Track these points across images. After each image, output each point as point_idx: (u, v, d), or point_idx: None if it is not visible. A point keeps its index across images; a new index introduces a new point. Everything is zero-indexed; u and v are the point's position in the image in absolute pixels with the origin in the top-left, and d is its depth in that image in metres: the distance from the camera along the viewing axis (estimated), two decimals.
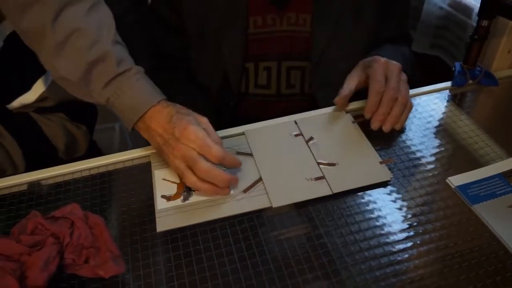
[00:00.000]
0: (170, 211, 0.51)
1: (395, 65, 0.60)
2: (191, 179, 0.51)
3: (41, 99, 0.67)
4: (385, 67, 0.60)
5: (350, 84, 0.62)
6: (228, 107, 0.76)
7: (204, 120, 0.55)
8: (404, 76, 0.61)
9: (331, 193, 0.52)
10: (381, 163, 0.56)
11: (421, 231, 0.48)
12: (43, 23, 0.49)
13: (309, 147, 0.59)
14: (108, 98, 0.53)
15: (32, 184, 0.56)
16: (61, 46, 0.51)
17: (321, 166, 0.56)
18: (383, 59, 0.61)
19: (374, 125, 0.59)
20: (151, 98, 0.54)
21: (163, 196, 0.52)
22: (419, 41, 1.10)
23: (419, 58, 1.05)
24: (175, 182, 0.54)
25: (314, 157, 0.57)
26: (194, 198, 0.52)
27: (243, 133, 0.62)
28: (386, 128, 0.59)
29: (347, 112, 0.64)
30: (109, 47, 0.52)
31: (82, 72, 0.52)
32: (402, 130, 0.62)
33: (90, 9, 0.52)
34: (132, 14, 0.83)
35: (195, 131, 0.51)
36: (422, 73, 0.80)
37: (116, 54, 0.53)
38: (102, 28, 0.53)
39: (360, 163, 0.56)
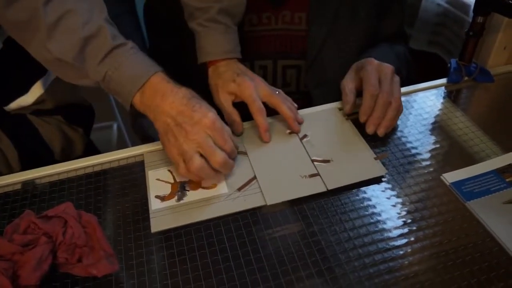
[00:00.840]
0: (164, 211, 0.50)
1: (388, 67, 0.60)
2: (196, 164, 0.50)
3: (39, 101, 0.67)
4: (378, 70, 0.60)
5: (350, 89, 0.62)
6: None
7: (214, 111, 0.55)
8: (396, 78, 0.61)
9: (326, 189, 0.52)
10: (375, 158, 0.56)
11: (415, 228, 0.48)
12: (35, 8, 0.48)
13: (303, 144, 0.59)
14: (105, 72, 0.51)
15: (27, 183, 0.56)
16: (53, 27, 0.49)
17: (315, 163, 0.55)
18: (376, 62, 0.61)
19: (370, 129, 0.59)
20: (150, 67, 0.53)
21: (157, 196, 0.52)
22: (417, 38, 1.09)
23: (417, 55, 1.05)
24: (169, 182, 0.54)
25: (308, 154, 0.57)
26: (188, 198, 0.52)
27: None
28: (381, 132, 0.59)
29: (340, 109, 0.64)
30: (102, 22, 0.51)
31: (76, 50, 0.50)
32: (397, 127, 0.61)
33: None
34: (119, 6, 0.83)
35: (216, 120, 0.51)
36: (417, 72, 0.80)
37: (109, 29, 0.52)
38: (93, 10, 0.52)
39: (354, 159, 0.56)
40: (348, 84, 0.62)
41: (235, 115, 0.61)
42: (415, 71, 0.79)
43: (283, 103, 0.60)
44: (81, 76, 0.53)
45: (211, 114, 0.51)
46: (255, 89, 0.59)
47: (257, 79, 0.61)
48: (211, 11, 0.62)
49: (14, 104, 0.65)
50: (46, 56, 0.51)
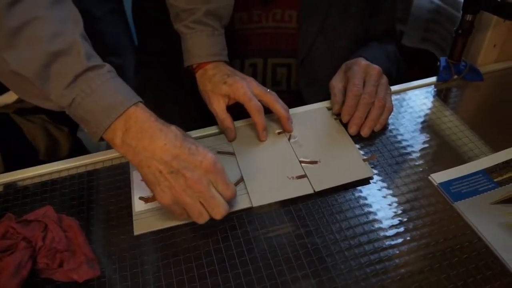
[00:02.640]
0: (148, 213, 0.50)
1: (374, 68, 0.60)
2: (207, 218, 0.46)
3: (21, 99, 0.65)
4: (364, 71, 0.60)
5: (338, 89, 0.61)
6: None
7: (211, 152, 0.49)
8: (384, 80, 0.60)
9: (312, 191, 0.51)
10: (364, 160, 0.55)
11: (402, 230, 0.47)
12: None
13: (291, 145, 0.58)
14: (73, 99, 0.44)
15: (8, 185, 0.55)
16: (15, 34, 0.41)
17: (303, 164, 0.55)
18: (364, 62, 0.61)
19: (352, 130, 0.59)
20: (129, 97, 0.45)
21: (141, 198, 0.51)
22: (410, 35, 1.09)
23: (411, 52, 1.05)
24: None
25: (296, 155, 0.56)
26: None
27: None
28: (365, 132, 0.59)
29: (329, 108, 0.64)
30: (76, 37, 0.44)
31: (39, 66, 0.42)
32: (387, 126, 0.61)
33: (54, 2, 0.44)
34: (105, 5, 0.82)
35: (217, 162, 0.45)
36: (411, 69, 0.79)
37: (84, 47, 0.44)
38: (67, 21, 0.44)
39: (342, 160, 0.55)
40: (337, 84, 0.62)
41: (228, 121, 0.58)
42: (407, 70, 0.79)
43: (277, 101, 0.58)
44: (39, 97, 0.45)
45: (210, 156, 0.45)
46: (248, 87, 0.57)
47: (248, 78, 0.59)
48: (197, 13, 0.60)
49: None
50: (1, 66, 0.43)
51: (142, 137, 0.44)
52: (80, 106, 0.44)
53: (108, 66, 0.46)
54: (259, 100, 0.58)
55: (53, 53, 0.42)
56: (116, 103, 0.44)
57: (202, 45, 0.61)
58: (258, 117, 0.57)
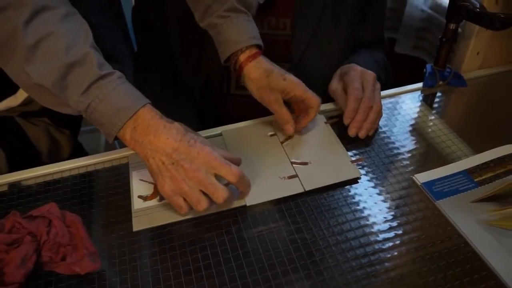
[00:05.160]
0: (146, 210, 0.52)
1: (370, 74, 0.64)
2: (204, 206, 0.49)
3: (26, 102, 0.68)
4: (361, 76, 0.64)
5: (340, 91, 0.65)
6: (211, 108, 0.78)
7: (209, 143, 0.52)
8: (378, 85, 0.64)
9: (303, 190, 0.54)
10: (352, 162, 0.58)
11: (387, 228, 0.50)
12: (15, 26, 0.45)
13: (283, 147, 0.61)
14: (88, 104, 0.48)
15: (13, 185, 0.57)
16: (33, 50, 0.46)
17: (294, 165, 0.58)
18: (359, 68, 0.64)
19: (352, 132, 0.62)
20: (138, 100, 0.50)
21: (139, 196, 0.54)
22: (402, 43, 1.12)
23: (403, 59, 1.08)
24: (152, 183, 0.55)
25: (288, 157, 0.59)
26: None
27: (220, 134, 0.64)
28: (362, 134, 0.62)
29: (320, 113, 0.67)
30: (88, 48, 0.48)
31: (58, 76, 0.47)
32: (376, 130, 0.64)
33: (65, 16, 0.49)
34: (103, 13, 0.84)
35: (213, 151, 0.49)
36: (402, 75, 0.83)
37: (96, 56, 0.49)
38: (79, 33, 0.49)
39: (331, 162, 0.58)
40: (338, 88, 0.66)
41: (288, 116, 0.60)
42: (397, 75, 0.82)
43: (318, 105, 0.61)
44: (59, 104, 0.50)
45: (207, 147, 0.49)
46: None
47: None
48: (229, 1, 0.59)
49: (2, 105, 0.66)
50: (25, 80, 0.48)
51: (148, 133, 0.49)
52: (95, 110, 0.48)
53: (118, 73, 0.50)
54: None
55: (68, 65, 0.47)
56: (126, 106, 0.49)
57: (242, 29, 0.59)
58: (315, 112, 0.60)
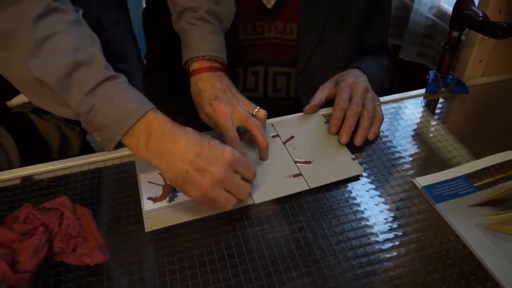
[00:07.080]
0: (156, 211, 0.53)
1: (360, 84, 0.65)
2: (234, 202, 0.50)
3: None
4: (351, 87, 0.65)
5: (321, 95, 0.67)
6: None
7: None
8: (370, 94, 0.65)
9: (308, 188, 0.56)
10: (353, 159, 0.60)
11: (387, 229, 0.51)
12: (26, 19, 0.44)
13: (286, 147, 0.62)
14: (92, 105, 0.47)
15: (26, 179, 0.59)
16: (40, 45, 0.45)
17: (298, 164, 0.59)
18: (350, 79, 0.66)
19: (343, 139, 0.62)
20: (145, 104, 0.49)
21: (149, 198, 0.55)
22: (407, 50, 1.14)
23: (408, 65, 1.09)
24: (160, 184, 0.57)
25: (291, 156, 0.61)
26: (179, 199, 0.55)
27: None
28: (358, 141, 0.63)
29: (320, 114, 0.69)
30: (96, 50, 0.48)
31: (63, 73, 0.45)
32: (379, 134, 0.65)
33: (74, 21, 0.49)
34: (112, 15, 0.86)
35: (235, 151, 0.50)
36: (408, 81, 0.84)
37: (102, 59, 0.49)
38: (86, 38, 0.49)
39: (333, 160, 0.60)
40: (322, 90, 0.68)
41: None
42: (402, 81, 0.84)
43: (258, 128, 0.58)
44: (58, 104, 0.48)
45: (228, 147, 0.49)
46: (230, 116, 0.57)
47: (234, 101, 0.59)
48: (200, 10, 0.61)
49: (16, 100, 0.68)
50: (24, 74, 0.46)
51: (165, 141, 0.48)
52: (99, 112, 0.47)
53: (123, 77, 0.50)
54: (242, 125, 0.59)
55: (75, 63, 0.46)
56: (133, 109, 0.48)
57: (203, 40, 0.61)
58: (258, 135, 0.58)
